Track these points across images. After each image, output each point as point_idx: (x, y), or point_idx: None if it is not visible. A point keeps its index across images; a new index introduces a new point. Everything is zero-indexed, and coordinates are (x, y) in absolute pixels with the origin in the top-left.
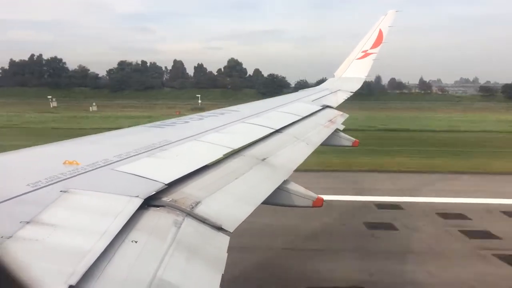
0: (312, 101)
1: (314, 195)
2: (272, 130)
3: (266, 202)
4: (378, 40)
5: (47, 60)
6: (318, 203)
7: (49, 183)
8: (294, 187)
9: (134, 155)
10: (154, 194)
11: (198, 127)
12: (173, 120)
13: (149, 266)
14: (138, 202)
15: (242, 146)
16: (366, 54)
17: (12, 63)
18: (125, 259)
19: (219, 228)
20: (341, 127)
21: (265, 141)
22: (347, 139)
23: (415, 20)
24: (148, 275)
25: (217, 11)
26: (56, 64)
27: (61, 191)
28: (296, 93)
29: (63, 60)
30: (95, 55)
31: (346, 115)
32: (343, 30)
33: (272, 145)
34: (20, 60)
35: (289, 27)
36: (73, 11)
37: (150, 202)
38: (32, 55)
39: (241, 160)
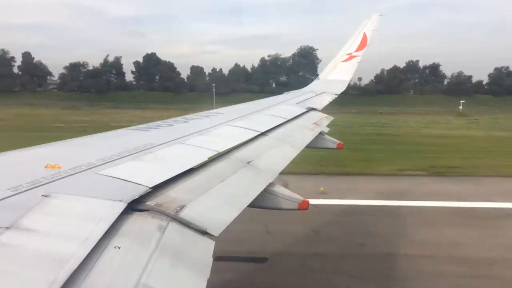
0: (297, 103)
1: (300, 198)
2: (257, 133)
3: (251, 205)
4: (363, 43)
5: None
6: (304, 206)
7: (31, 187)
8: (279, 189)
9: (118, 159)
10: (138, 198)
11: (183, 130)
12: (158, 122)
13: (132, 272)
14: (122, 206)
15: (227, 149)
16: (351, 57)
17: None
18: (108, 265)
19: (204, 233)
20: (326, 130)
21: (250, 144)
22: (332, 142)
23: None
24: (132, 282)
25: (210, 16)
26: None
27: (42, 195)
28: (281, 95)
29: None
30: (84, 58)
31: (331, 118)
32: (337, 33)
33: (257, 148)
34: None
35: (283, 32)
36: (63, 15)
37: (134, 206)
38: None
39: (226, 163)
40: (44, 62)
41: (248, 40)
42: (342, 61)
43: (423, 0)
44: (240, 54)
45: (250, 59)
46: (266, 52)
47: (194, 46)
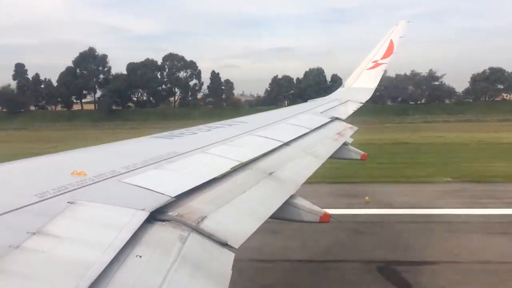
0: (321, 112)
1: (321, 211)
2: (280, 143)
3: (272, 217)
4: (389, 51)
5: None
6: (325, 219)
7: (57, 194)
8: (301, 202)
9: (142, 167)
10: (160, 207)
11: (206, 139)
12: (181, 130)
13: (153, 281)
14: (144, 215)
15: (250, 160)
16: (376, 65)
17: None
18: (129, 274)
19: (225, 244)
20: (350, 140)
21: (272, 154)
22: (356, 152)
23: None
24: None
25: (228, 30)
26: None
27: (68, 202)
28: (305, 104)
29: None
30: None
31: (355, 128)
32: (356, 43)
33: (280, 158)
34: None
35: (301, 44)
36: (88, 34)
37: (156, 216)
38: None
39: (248, 174)
40: None
41: (267, 53)
42: (368, 69)
43: (441, 7)
44: (260, 67)
45: (270, 72)
46: (286, 64)
47: (214, 61)
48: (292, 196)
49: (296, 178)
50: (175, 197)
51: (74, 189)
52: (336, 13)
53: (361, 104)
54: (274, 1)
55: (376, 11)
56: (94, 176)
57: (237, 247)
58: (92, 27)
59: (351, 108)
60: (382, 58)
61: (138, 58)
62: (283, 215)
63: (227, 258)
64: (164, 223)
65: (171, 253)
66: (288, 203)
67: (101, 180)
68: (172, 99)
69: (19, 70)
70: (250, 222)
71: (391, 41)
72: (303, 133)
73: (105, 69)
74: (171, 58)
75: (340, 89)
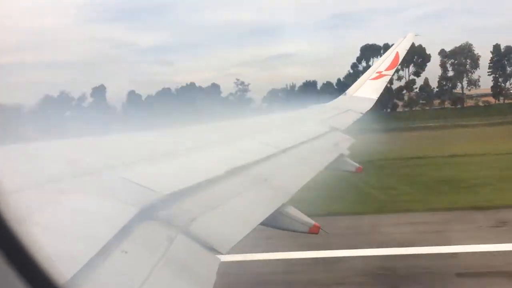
0: (321, 120)
1: (311, 222)
2: (277, 150)
3: (262, 224)
4: (394, 63)
5: None
6: (315, 230)
7: (49, 181)
8: (292, 211)
9: (138, 162)
10: (151, 205)
11: (206, 139)
12: (183, 129)
13: (135, 278)
14: (134, 211)
15: (246, 164)
16: (380, 75)
17: None
18: (113, 269)
19: (211, 249)
20: (346, 152)
21: (269, 161)
22: (351, 165)
23: None
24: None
25: (233, 39)
26: None
27: (58, 191)
28: (306, 109)
29: None
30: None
31: (352, 140)
32: (356, 47)
33: (276, 165)
34: None
35: (304, 49)
36: (95, 51)
37: (146, 213)
38: None
39: (242, 178)
40: None
41: (269, 60)
42: (371, 79)
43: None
44: (264, 75)
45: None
46: (288, 71)
47: (218, 70)
48: (283, 205)
49: (289, 186)
50: (167, 195)
51: (67, 179)
52: (337, 18)
53: (361, 115)
54: (274, 11)
55: (379, 15)
56: (89, 167)
57: (224, 253)
58: (97, 43)
59: (351, 118)
60: (386, 70)
61: (144, 70)
62: (272, 223)
63: (213, 263)
64: (153, 221)
65: (157, 252)
66: (278, 211)
67: (95, 172)
68: None
69: None
70: (239, 228)
71: (397, 53)
72: (301, 141)
73: None
74: None
75: (342, 97)
